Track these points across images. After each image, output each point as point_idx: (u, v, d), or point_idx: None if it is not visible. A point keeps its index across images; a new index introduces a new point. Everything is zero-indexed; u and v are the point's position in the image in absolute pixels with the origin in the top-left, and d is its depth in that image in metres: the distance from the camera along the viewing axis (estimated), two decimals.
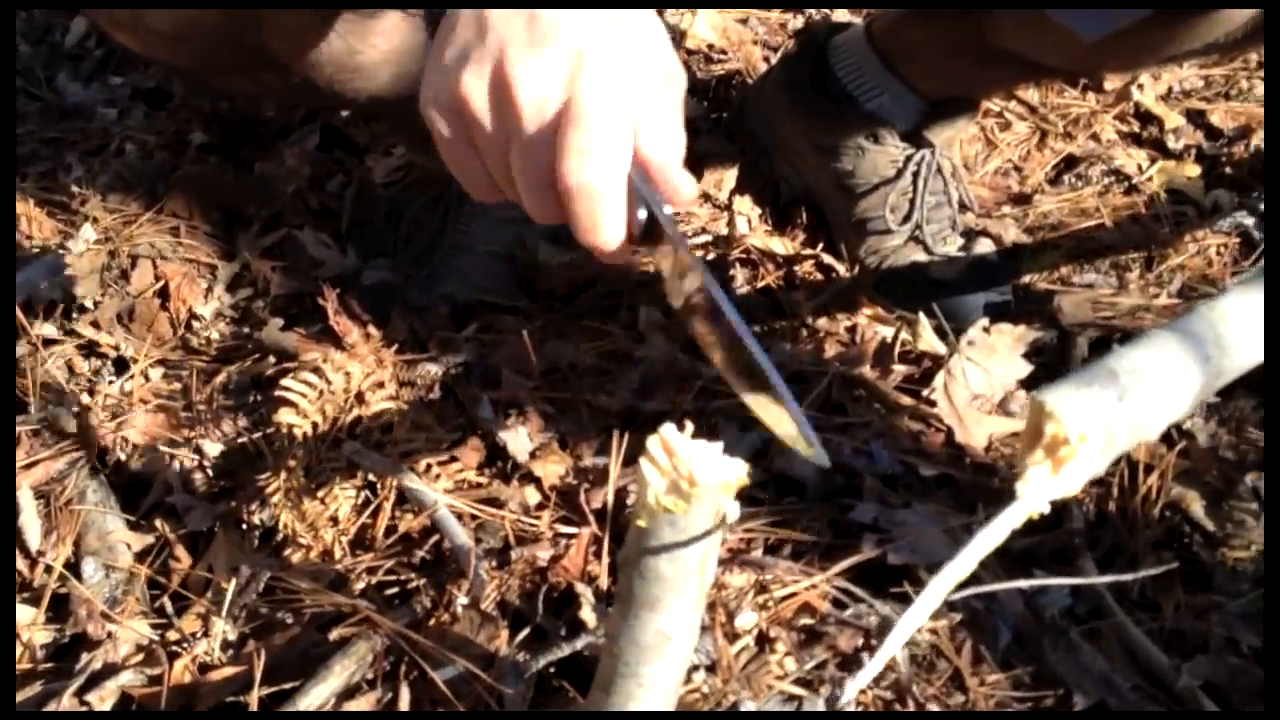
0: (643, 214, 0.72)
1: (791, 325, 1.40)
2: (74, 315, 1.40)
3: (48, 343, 1.35)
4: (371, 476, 1.16)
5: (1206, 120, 1.71)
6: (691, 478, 0.76)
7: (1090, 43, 1.12)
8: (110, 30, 1.11)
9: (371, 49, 1.18)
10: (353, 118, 1.70)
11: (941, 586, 0.66)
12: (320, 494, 1.13)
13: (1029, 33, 1.22)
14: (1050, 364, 1.34)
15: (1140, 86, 1.73)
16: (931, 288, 1.42)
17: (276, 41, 1.13)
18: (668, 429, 0.79)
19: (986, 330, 1.33)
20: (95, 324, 1.38)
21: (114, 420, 1.25)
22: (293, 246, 1.50)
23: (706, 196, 1.62)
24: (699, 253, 1.51)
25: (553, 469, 1.19)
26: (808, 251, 1.49)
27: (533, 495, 1.16)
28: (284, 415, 1.15)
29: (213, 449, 1.20)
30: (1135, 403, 0.65)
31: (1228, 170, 1.63)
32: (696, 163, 1.65)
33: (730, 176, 1.63)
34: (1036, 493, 0.63)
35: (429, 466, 1.18)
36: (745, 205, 1.60)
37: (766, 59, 1.91)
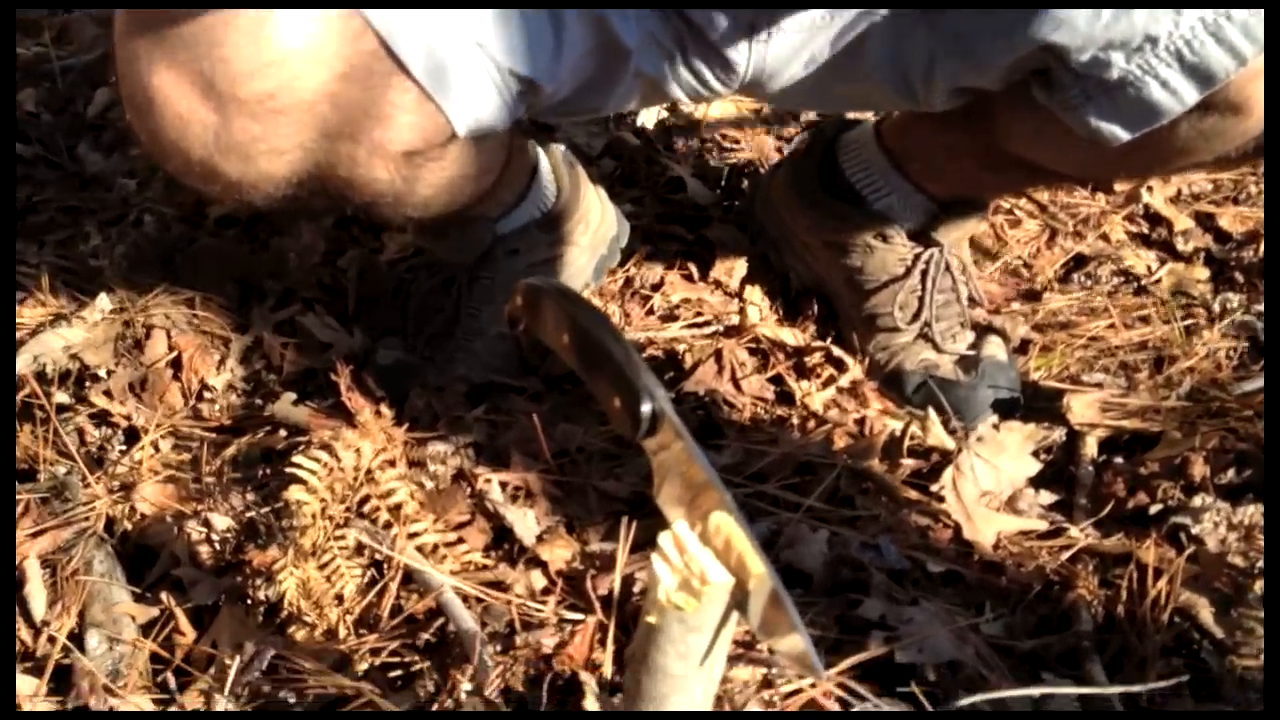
0: (646, 408, 0.72)
1: (800, 415, 1.40)
2: (87, 384, 1.40)
3: (60, 410, 1.35)
4: (378, 556, 1.16)
5: (1215, 224, 1.73)
6: (703, 575, 0.76)
7: (1115, 148, 1.13)
8: (182, 177, 1.12)
9: (432, 182, 1.19)
10: None
11: None
12: (326, 572, 1.13)
13: (1041, 140, 1.24)
14: (1059, 462, 1.34)
15: (1150, 189, 1.76)
16: (941, 384, 1.43)
17: (355, 195, 1.16)
18: (680, 526, 0.80)
19: (996, 427, 1.33)
20: (108, 393, 1.39)
21: (123, 490, 1.25)
22: (302, 327, 1.51)
23: (718, 284, 1.64)
24: (704, 343, 1.52)
25: (559, 553, 1.19)
26: (817, 343, 1.50)
27: (539, 580, 1.15)
28: (294, 492, 1.15)
29: (221, 522, 1.20)
30: None
31: (1236, 274, 1.64)
32: (708, 250, 1.67)
33: (741, 265, 1.65)
34: None
35: (436, 547, 1.18)
36: (756, 295, 1.61)
37: (779, 149, 1.94)
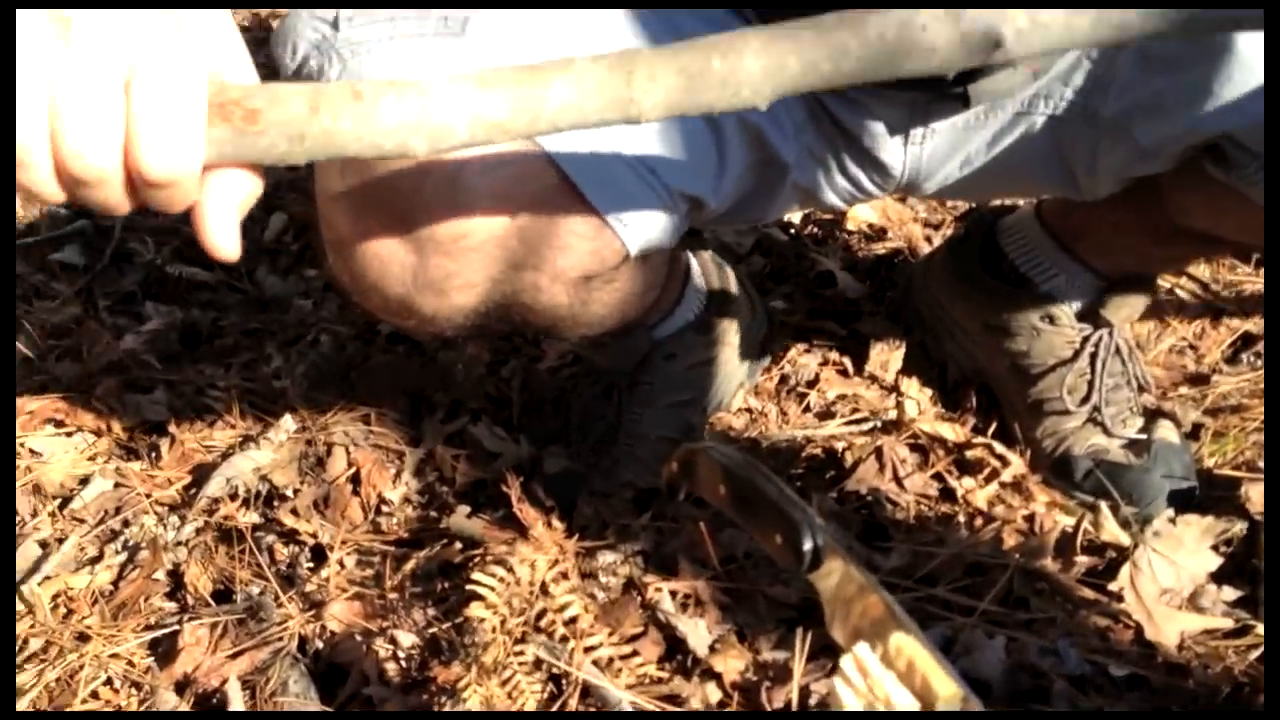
0: (808, 544, 0.74)
1: (967, 513, 1.39)
2: (275, 503, 1.48)
3: (253, 530, 1.42)
4: (555, 670, 1.19)
5: None
6: (888, 700, 0.77)
7: None
8: (379, 314, 1.20)
9: (606, 301, 1.24)
10: None
11: None
12: (508, 688, 1.16)
13: (1220, 214, 1.21)
14: (1239, 555, 1.30)
15: None
16: (1111, 470, 1.40)
17: (536, 320, 1.21)
18: (861, 649, 0.81)
19: (1173, 521, 1.30)
20: (294, 511, 1.45)
21: (313, 608, 1.31)
22: (471, 438, 1.56)
23: (873, 378, 1.65)
24: (863, 440, 1.52)
25: (733, 664, 1.20)
26: (978, 439, 1.49)
27: (714, 692, 1.17)
28: (475, 609, 1.19)
29: (406, 639, 1.25)
30: None
31: None
32: (862, 343, 1.68)
33: (897, 358, 1.65)
34: None
35: (611, 660, 1.20)
36: (913, 388, 1.61)
37: (928, 237, 1.94)
